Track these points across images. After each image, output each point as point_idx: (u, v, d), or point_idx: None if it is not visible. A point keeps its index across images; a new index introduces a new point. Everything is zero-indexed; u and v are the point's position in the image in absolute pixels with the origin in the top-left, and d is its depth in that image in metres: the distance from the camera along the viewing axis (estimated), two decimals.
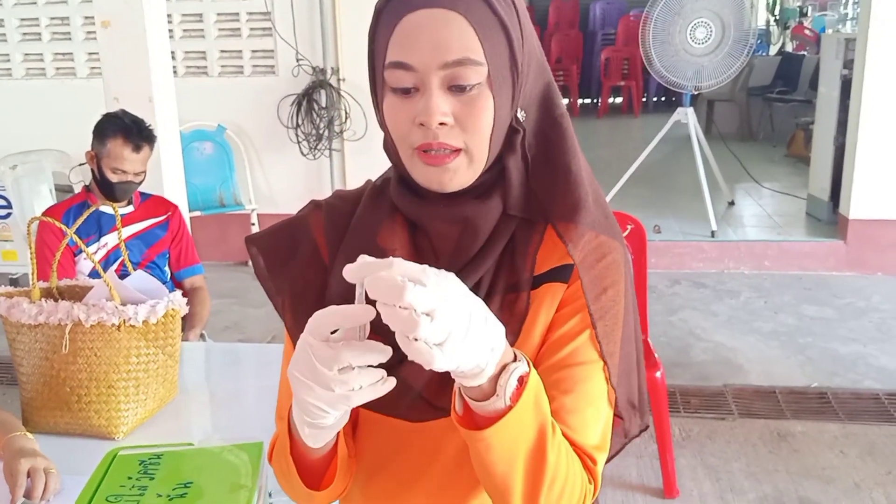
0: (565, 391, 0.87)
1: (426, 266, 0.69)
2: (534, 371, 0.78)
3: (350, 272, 0.70)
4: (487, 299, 0.87)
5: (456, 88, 0.82)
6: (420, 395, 0.89)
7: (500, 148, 0.88)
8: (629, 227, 2.66)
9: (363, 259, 0.70)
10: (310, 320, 0.73)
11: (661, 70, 5.09)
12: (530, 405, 0.77)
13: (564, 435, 0.85)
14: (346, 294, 0.80)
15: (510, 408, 0.76)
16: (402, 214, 0.92)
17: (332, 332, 0.73)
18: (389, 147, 0.91)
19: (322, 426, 0.78)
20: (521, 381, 0.77)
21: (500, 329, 0.74)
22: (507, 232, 0.89)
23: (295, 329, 0.91)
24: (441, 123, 0.82)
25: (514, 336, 0.88)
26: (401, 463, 0.96)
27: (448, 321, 0.68)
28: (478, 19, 0.81)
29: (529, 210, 0.90)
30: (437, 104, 0.81)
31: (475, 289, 0.86)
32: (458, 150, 0.84)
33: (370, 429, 0.97)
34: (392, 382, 0.74)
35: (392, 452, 0.96)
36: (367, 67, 0.89)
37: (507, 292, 0.89)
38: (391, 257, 0.69)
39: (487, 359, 0.73)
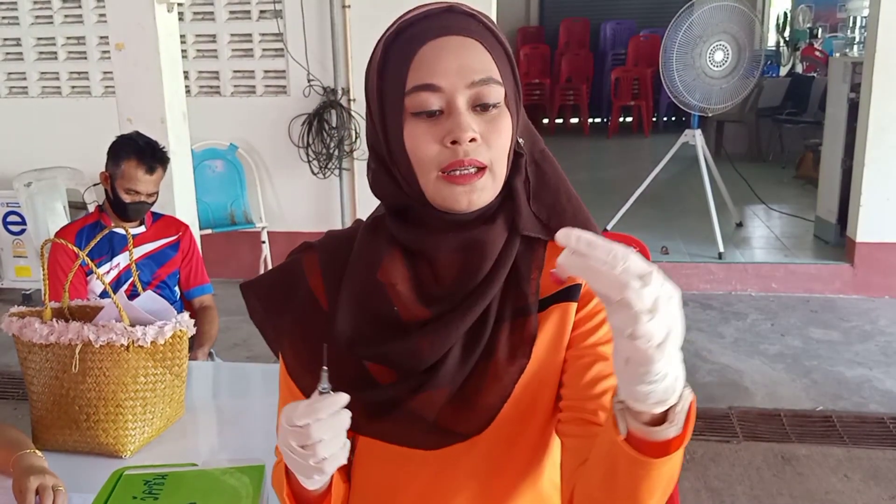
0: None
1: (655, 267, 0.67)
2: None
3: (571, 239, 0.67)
4: (497, 325, 0.89)
5: (480, 108, 0.86)
6: (435, 423, 0.89)
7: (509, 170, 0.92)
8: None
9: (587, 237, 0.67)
10: (285, 410, 0.80)
11: (683, 93, 5.11)
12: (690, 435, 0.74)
13: None
14: (352, 334, 0.88)
15: (682, 437, 0.73)
16: (399, 248, 0.93)
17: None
18: (381, 181, 0.93)
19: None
20: (691, 408, 0.73)
21: None
22: (510, 256, 0.91)
23: (298, 370, 0.95)
24: (472, 140, 0.85)
25: (525, 359, 0.90)
26: (414, 489, 0.96)
27: (668, 318, 0.65)
28: (490, 45, 0.87)
29: (535, 230, 0.92)
30: (468, 121, 0.85)
31: (484, 315, 0.89)
32: (483, 169, 0.87)
33: (376, 455, 0.97)
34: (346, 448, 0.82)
35: (404, 478, 0.97)
36: (374, 103, 0.90)
37: (515, 317, 0.90)
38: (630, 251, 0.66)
39: (680, 375, 0.69)
